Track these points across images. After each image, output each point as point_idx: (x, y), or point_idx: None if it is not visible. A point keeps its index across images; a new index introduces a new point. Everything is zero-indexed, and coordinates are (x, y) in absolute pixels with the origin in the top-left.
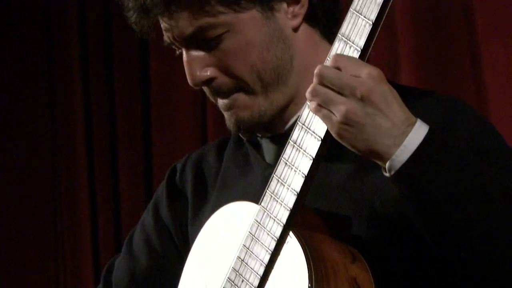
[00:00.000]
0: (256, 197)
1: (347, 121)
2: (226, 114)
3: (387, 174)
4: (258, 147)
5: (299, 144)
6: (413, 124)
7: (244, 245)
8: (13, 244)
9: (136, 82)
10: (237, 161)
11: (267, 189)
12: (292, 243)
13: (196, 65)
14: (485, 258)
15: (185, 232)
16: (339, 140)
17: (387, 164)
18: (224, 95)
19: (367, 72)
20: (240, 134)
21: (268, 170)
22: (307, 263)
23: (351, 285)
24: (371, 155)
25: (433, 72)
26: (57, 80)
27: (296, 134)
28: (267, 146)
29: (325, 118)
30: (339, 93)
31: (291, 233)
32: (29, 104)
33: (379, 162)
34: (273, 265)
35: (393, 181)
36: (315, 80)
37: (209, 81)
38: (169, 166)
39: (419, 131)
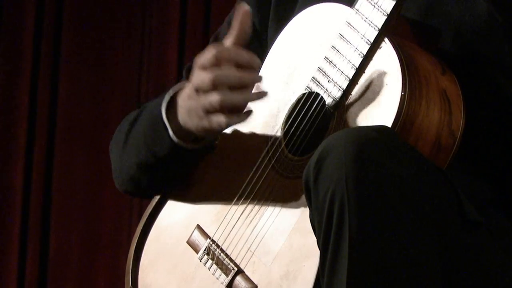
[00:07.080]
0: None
1: None
2: None
3: None
4: None
5: None
6: None
7: (333, 47)
8: None
9: None
10: None
11: None
12: (386, 49)
13: None
14: None
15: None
16: None
17: None
18: None
19: None
20: None
21: None
22: (401, 70)
23: (441, 96)
24: None
25: None
26: None
27: None
28: None
29: None
30: None
31: (386, 39)
32: None
33: None
34: (364, 70)
35: None
36: None
37: None
38: None
39: None
